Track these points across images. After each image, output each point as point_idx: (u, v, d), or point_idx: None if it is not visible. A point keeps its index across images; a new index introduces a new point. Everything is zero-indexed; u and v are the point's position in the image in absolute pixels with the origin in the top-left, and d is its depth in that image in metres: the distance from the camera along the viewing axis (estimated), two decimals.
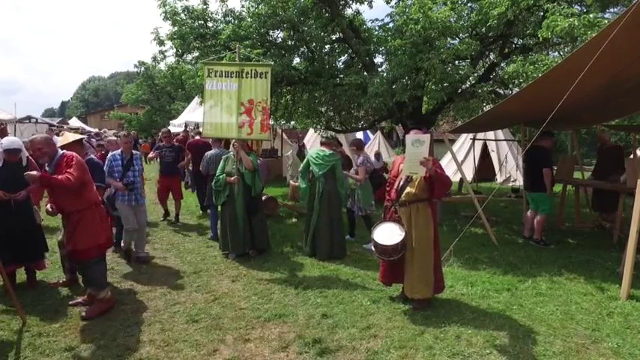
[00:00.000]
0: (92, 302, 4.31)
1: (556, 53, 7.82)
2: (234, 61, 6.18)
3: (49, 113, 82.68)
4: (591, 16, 5.68)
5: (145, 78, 30.50)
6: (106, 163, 5.82)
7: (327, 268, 5.76)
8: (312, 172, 6.29)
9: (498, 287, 5.05)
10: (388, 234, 4.28)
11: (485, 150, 15.85)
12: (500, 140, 14.99)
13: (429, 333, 3.89)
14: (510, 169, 15.59)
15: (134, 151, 6.01)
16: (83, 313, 4.15)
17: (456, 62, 8.02)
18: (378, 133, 26.11)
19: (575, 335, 3.85)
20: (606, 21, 5.62)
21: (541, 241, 6.95)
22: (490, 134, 14.30)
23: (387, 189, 4.70)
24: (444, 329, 3.96)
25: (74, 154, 4.15)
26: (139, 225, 5.98)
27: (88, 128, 31.02)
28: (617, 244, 6.83)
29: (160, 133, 8.70)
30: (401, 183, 4.38)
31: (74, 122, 33.60)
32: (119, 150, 5.97)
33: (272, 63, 6.51)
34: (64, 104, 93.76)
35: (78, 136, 5.00)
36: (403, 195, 4.34)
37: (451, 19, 7.18)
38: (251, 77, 5.83)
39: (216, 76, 5.97)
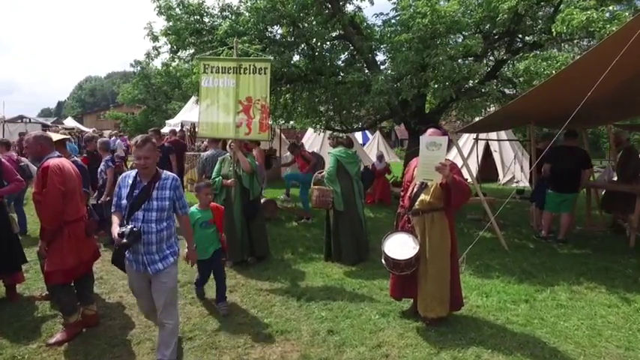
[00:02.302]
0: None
1: (568, 48, 7.47)
2: (231, 56, 5.83)
3: (46, 113, 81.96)
4: (610, 8, 5.34)
5: (141, 77, 30.06)
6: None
7: (331, 277, 5.41)
8: (347, 172, 5.97)
9: (515, 298, 4.71)
10: (400, 246, 3.92)
11: (487, 150, 15.53)
12: (503, 140, 14.70)
13: (446, 352, 3.55)
14: (514, 170, 15.29)
15: (165, 172, 3.36)
16: (49, 340, 3.71)
17: (461, 60, 7.67)
18: (378, 133, 25.68)
19: (607, 355, 3.51)
20: (627, 13, 5.29)
21: (564, 240, 6.92)
22: (492, 134, 13.98)
23: (401, 195, 4.34)
24: (462, 348, 3.61)
25: (51, 163, 3.66)
26: (161, 313, 3.27)
27: (83, 128, 30.59)
28: (634, 249, 6.52)
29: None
30: (414, 189, 4.01)
31: (69, 122, 33.11)
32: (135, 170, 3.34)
33: (271, 58, 6.14)
34: (60, 104, 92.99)
35: (60, 136, 4.64)
36: (417, 203, 3.96)
37: (459, 14, 6.83)
38: (249, 73, 5.46)
39: (212, 72, 5.61)
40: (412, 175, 4.11)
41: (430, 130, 4.01)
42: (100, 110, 49.38)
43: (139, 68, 29.67)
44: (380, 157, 11.80)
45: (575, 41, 6.81)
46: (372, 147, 23.74)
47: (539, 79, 6.32)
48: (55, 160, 3.71)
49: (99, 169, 6.42)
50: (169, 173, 3.39)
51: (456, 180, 3.67)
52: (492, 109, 10.78)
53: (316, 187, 5.92)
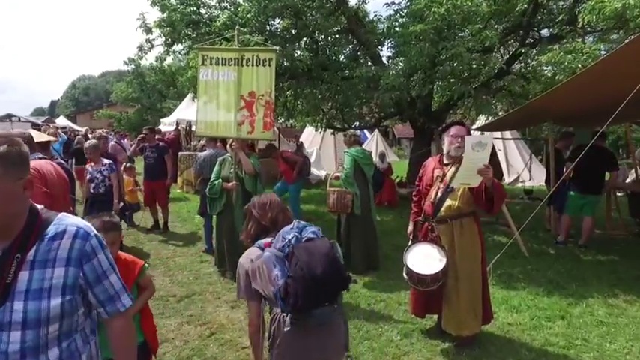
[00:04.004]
0: None
1: (590, 39, 7.00)
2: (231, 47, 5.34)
3: (39, 112, 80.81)
4: None
5: (136, 76, 29.49)
6: None
7: None
8: (364, 174, 5.50)
9: (549, 313, 4.26)
10: (425, 259, 3.44)
11: (492, 149, 15.11)
12: (508, 139, 14.33)
13: None
14: (519, 170, 14.92)
15: (59, 220, 1.44)
16: None
17: (476, 54, 7.20)
18: (377, 131, 25.13)
19: None
20: None
21: (585, 245, 6.58)
22: (497, 132, 13.57)
23: (414, 200, 3.89)
24: None
25: (36, 166, 3.14)
26: None
27: (76, 127, 29.96)
28: None
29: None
30: (439, 194, 3.54)
31: (61, 121, 32.31)
32: None
33: (277, 48, 5.65)
34: (53, 103, 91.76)
35: (46, 138, 4.14)
36: (443, 209, 3.50)
37: (476, 3, 6.37)
38: (252, 65, 4.96)
39: (211, 63, 5.11)
40: (432, 179, 3.66)
41: (455, 128, 3.56)
42: (95, 109, 48.56)
43: (132, 66, 29.08)
44: (382, 157, 11.33)
45: (602, 32, 6.33)
46: (371, 146, 23.23)
47: (564, 73, 5.88)
48: (32, 163, 3.20)
49: (98, 179, 5.57)
50: (69, 220, 1.45)
51: (496, 183, 3.26)
52: (499, 107, 10.38)
53: (333, 189, 5.43)
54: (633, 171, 9.59)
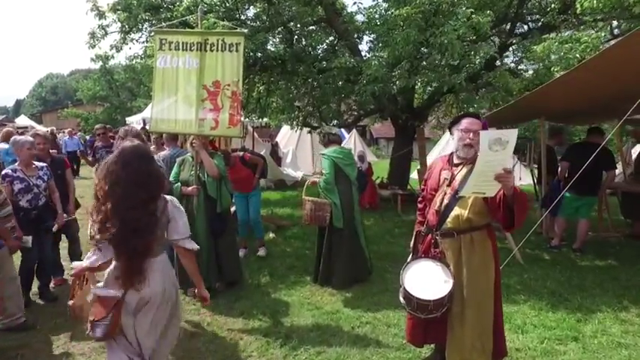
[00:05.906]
0: None
1: (591, 31, 6.57)
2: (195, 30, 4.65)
3: (2, 112, 77.54)
4: None
5: (103, 73, 28.26)
6: None
7: (322, 309, 4.27)
8: (346, 176, 4.83)
9: (559, 334, 3.72)
10: (426, 280, 2.80)
11: None
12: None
13: None
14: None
15: None
16: None
17: (465, 42, 6.68)
18: (354, 131, 24.59)
19: None
20: None
21: (581, 249, 6.18)
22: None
23: (419, 207, 3.24)
24: None
25: None
26: None
27: (38, 127, 28.44)
28: None
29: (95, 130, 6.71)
30: (445, 201, 2.88)
31: (23, 121, 30.46)
32: None
33: (245, 31, 4.97)
34: (19, 102, 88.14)
35: None
36: (449, 220, 2.85)
37: None
38: (217, 50, 4.28)
39: (170, 49, 4.40)
40: (438, 182, 3.00)
41: (467, 120, 2.85)
42: (62, 108, 46.50)
43: (100, 63, 27.80)
44: (361, 157, 10.72)
45: (599, 21, 5.89)
46: (349, 146, 22.71)
47: (560, 64, 5.42)
48: None
49: (39, 187, 4.29)
50: None
51: (518, 191, 2.58)
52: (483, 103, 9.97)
53: (309, 198, 4.73)
54: (620, 167, 9.31)
